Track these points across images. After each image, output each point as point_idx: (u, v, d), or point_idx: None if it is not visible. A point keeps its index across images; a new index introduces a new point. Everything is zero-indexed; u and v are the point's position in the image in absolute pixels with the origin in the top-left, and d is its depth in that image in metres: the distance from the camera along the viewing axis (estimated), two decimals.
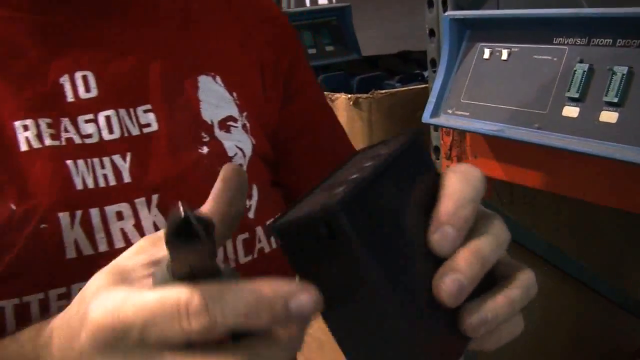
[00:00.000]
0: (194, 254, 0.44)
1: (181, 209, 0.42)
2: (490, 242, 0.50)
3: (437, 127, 1.35)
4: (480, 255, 0.49)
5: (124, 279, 0.49)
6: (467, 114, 1.13)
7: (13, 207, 0.63)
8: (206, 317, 0.43)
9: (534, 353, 1.76)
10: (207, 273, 0.45)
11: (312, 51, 2.25)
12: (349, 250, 0.44)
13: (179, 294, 0.44)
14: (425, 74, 2.14)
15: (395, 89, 1.62)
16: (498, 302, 0.51)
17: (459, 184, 0.51)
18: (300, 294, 0.44)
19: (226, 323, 0.44)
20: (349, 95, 1.55)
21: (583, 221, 1.76)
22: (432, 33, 1.31)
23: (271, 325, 0.45)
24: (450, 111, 1.16)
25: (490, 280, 0.52)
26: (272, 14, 0.89)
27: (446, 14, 1.18)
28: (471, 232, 0.51)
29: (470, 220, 0.50)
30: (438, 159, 1.37)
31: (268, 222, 0.49)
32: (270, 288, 0.44)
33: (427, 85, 1.46)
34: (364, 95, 1.54)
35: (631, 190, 1.05)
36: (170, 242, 0.43)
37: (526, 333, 1.73)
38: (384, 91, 1.57)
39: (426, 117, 1.18)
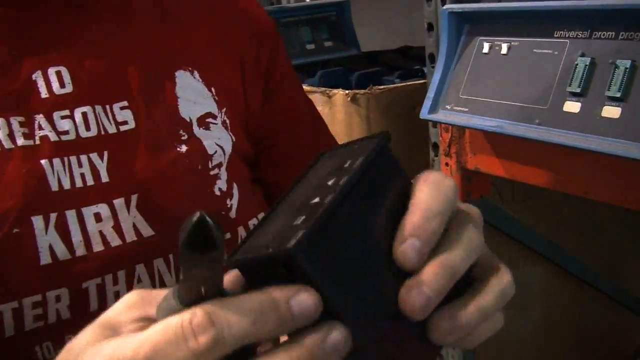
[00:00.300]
0: (209, 267, 0.41)
1: (196, 216, 0.40)
2: (461, 252, 0.48)
3: (435, 124, 1.33)
4: (449, 267, 0.46)
5: (116, 333, 0.45)
6: (466, 109, 1.11)
7: None
8: (212, 331, 0.40)
9: (536, 351, 1.75)
10: (216, 293, 0.43)
11: (310, 46, 2.24)
12: (310, 285, 0.43)
13: (182, 315, 0.41)
14: (425, 69, 2.13)
15: (394, 85, 1.60)
16: (469, 311, 0.48)
17: (429, 195, 0.48)
18: (300, 293, 0.42)
19: (234, 334, 0.40)
20: (347, 91, 1.54)
21: (584, 219, 1.74)
22: (430, 27, 1.29)
23: (279, 330, 0.42)
24: (448, 107, 1.14)
25: (465, 283, 0.50)
26: (249, 7, 0.87)
27: (445, 7, 1.16)
28: (442, 241, 0.48)
29: (438, 232, 0.47)
30: (437, 156, 1.35)
31: (226, 257, 0.46)
32: (270, 292, 0.42)
33: (426, 81, 1.44)
34: (362, 91, 1.52)
35: (634, 188, 1.03)
36: (186, 252, 0.40)
37: (527, 331, 1.72)
38: (382, 87, 1.55)
39: (424, 113, 1.16)
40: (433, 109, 1.16)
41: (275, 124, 0.83)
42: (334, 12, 2.33)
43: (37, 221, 0.62)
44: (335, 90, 1.56)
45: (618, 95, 0.89)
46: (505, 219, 1.46)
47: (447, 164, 1.31)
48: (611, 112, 0.90)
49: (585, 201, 1.52)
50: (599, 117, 0.91)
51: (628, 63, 0.89)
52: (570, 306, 1.80)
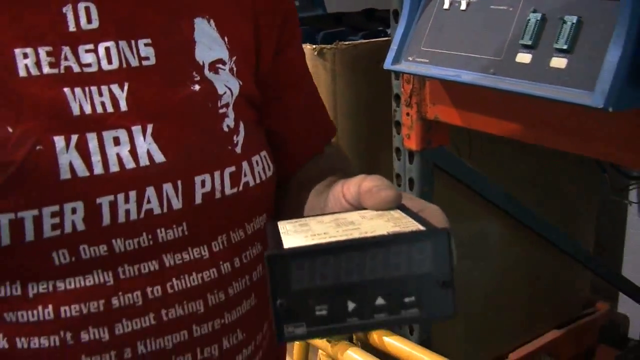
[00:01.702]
0: None
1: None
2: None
3: (398, 76, 1.40)
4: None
5: None
6: (427, 61, 1.18)
7: (10, 129, 0.66)
8: None
9: (490, 302, 1.82)
10: None
11: None
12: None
13: None
14: (389, 31, 2.18)
15: (359, 41, 1.66)
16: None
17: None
18: None
19: None
20: (314, 46, 1.59)
21: (539, 173, 1.82)
22: None
23: None
24: (410, 58, 1.21)
25: None
26: None
27: None
28: None
29: None
30: (399, 107, 1.42)
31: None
32: None
33: (390, 38, 1.50)
34: (328, 46, 1.58)
35: (579, 133, 1.11)
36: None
37: (483, 282, 1.79)
38: (347, 42, 1.61)
39: (388, 64, 1.23)
40: (396, 60, 1.23)
41: (285, 76, 0.88)
42: None
43: (59, 141, 0.67)
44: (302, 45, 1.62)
45: (565, 47, 0.97)
46: (463, 170, 1.53)
47: (407, 114, 1.38)
48: (559, 62, 0.98)
49: (539, 156, 1.61)
50: (548, 67, 0.99)
51: (575, 18, 0.97)
52: (524, 258, 1.88)
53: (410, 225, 0.54)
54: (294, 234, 0.55)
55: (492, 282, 1.83)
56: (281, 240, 0.53)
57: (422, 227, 0.53)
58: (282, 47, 0.88)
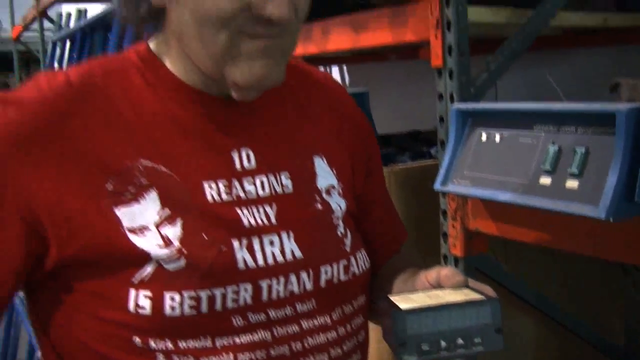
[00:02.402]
0: None
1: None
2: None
3: (445, 194, 1.68)
4: None
5: None
6: (469, 182, 1.46)
7: (205, 236, 0.96)
8: None
9: None
10: None
11: None
12: None
13: None
14: (432, 151, 2.46)
15: (409, 164, 1.95)
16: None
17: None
18: None
19: None
20: None
21: (571, 275, 2.04)
22: (441, 120, 1.65)
23: None
24: (456, 181, 1.49)
25: None
26: (355, 113, 1.24)
27: (453, 106, 1.54)
28: None
29: None
30: (445, 220, 1.69)
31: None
32: None
33: (435, 161, 1.78)
34: (385, 169, 1.86)
35: (598, 239, 1.36)
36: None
37: None
38: (401, 165, 1.89)
39: (437, 186, 1.52)
40: (444, 182, 1.51)
41: (368, 197, 1.19)
42: (355, 101, 2.53)
43: (236, 243, 0.97)
44: None
45: (576, 172, 1.24)
46: (500, 273, 1.77)
47: (453, 226, 1.66)
48: (572, 184, 1.25)
49: (567, 260, 1.84)
50: (564, 188, 1.26)
51: (583, 149, 1.24)
52: (556, 353, 2.07)
53: (475, 296, 0.91)
54: (404, 302, 0.90)
55: None
56: (397, 305, 0.87)
57: (483, 297, 0.90)
58: (369, 174, 1.19)
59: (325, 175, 1.11)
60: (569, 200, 1.24)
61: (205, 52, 0.97)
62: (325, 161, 1.12)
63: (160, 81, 1.03)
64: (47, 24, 7.07)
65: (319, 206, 1.08)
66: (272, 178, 1.05)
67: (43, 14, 6.84)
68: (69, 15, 5.41)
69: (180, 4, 0.97)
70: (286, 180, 1.06)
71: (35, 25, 7.20)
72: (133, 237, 0.94)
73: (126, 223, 0.94)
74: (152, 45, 1.06)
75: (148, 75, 1.03)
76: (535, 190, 1.32)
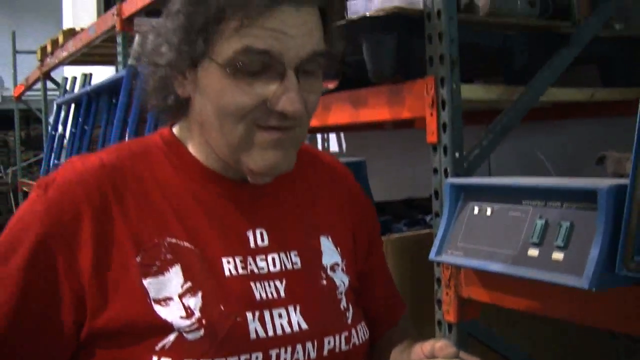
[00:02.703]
0: None
1: None
2: None
3: (439, 263, 1.76)
4: None
5: None
6: (462, 253, 1.55)
7: (222, 307, 1.05)
8: None
9: None
10: None
11: None
12: None
13: None
14: (427, 218, 2.54)
15: (405, 233, 2.04)
16: None
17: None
18: None
19: None
20: None
21: (560, 338, 2.11)
22: (436, 193, 1.74)
23: None
24: (449, 252, 1.58)
25: None
26: (359, 195, 1.35)
27: (447, 180, 1.63)
28: None
29: None
30: (439, 287, 1.77)
31: None
32: None
33: (431, 230, 1.86)
34: (382, 238, 1.95)
35: (583, 307, 1.43)
36: None
37: None
38: (397, 235, 1.99)
39: (432, 256, 1.61)
40: (438, 253, 1.60)
41: (370, 273, 1.29)
42: (352, 170, 2.53)
43: (249, 315, 1.06)
44: None
45: (562, 244, 1.33)
46: (492, 338, 1.85)
47: (447, 294, 1.74)
48: (558, 256, 1.33)
49: (557, 324, 1.91)
50: (550, 259, 1.34)
51: (568, 224, 1.33)
52: None
53: None
54: None
55: None
56: None
57: None
58: (370, 252, 1.28)
59: (330, 254, 1.20)
60: (555, 271, 1.33)
61: (224, 141, 1.08)
62: (331, 240, 1.22)
63: (184, 164, 1.14)
64: (49, 84, 7.23)
65: (324, 282, 1.17)
66: (282, 255, 1.15)
67: (47, 76, 6.99)
68: (74, 79, 5.54)
69: (204, 96, 1.08)
70: (295, 258, 1.15)
71: (37, 85, 7.35)
72: (158, 308, 1.04)
73: (152, 294, 1.04)
74: (175, 130, 1.17)
75: (172, 158, 1.14)
76: (523, 261, 1.40)
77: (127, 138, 3.38)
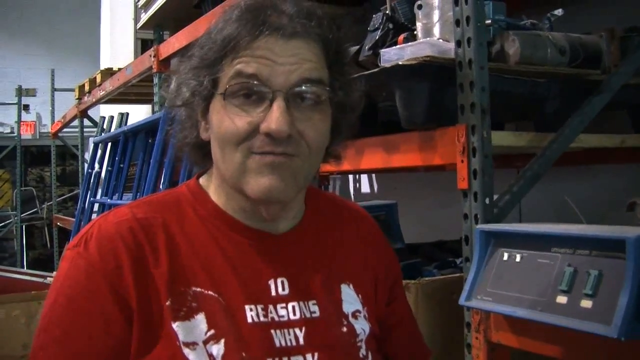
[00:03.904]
0: None
1: None
2: None
3: (469, 308, 1.78)
4: None
5: None
6: (491, 299, 1.56)
7: (244, 354, 1.09)
8: None
9: None
10: None
11: None
12: None
13: None
14: (458, 261, 2.54)
15: (436, 277, 2.05)
16: None
17: None
18: None
19: None
20: (403, 281, 1.98)
21: None
22: (466, 239, 1.77)
23: None
24: (479, 297, 1.60)
25: None
26: (385, 248, 1.38)
27: (478, 227, 1.65)
28: None
29: None
30: (469, 332, 1.78)
31: None
32: None
33: (461, 273, 1.87)
34: (413, 282, 1.97)
35: (611, 357, 1.44)
36: None
37: None
38: (427, 279, 2.00)
39: (462, 301, 1.62)
40: (468, 298, 1.62)
41: (392, 320, 1.32)
42: (384, 212, 2.68)
43: None
44: None
45: (590, 292, 1.34)
46: None
47: (477, 338, 1.75)
48: (587, 303, 1.34)
49: None
50: (579, 307, 1.35)
51: (597, 272, 1.35)
52: None
53: None
54: None
55: None
56: None
57: None
58: (392, 300, 1.32)
59: (351, 301, 1.24)
60: (583, 319, 1.34)
61: (228, 171, 1.15)
62: (352, 288, 1.25)
63: (208, 212, 1.20)
64: (85, 121, 7.36)
65: (344, 329, 1.20)
66: (302, 304, 1.18)
67: (83, 113, 7.11)
68: (111, 118, 5.64)
69: (213, 133, 1.15)
70: (314, 307, 1.19)
71: (74, 122, 7.48)
72: (186, 351, 1.08)
73: (181, 337, 1.09)
74: (201, 180, 1.23)
75: (198, 208, 1.20)
76: (552, 309, 1.41)
77: (163, 177, 3.44)
